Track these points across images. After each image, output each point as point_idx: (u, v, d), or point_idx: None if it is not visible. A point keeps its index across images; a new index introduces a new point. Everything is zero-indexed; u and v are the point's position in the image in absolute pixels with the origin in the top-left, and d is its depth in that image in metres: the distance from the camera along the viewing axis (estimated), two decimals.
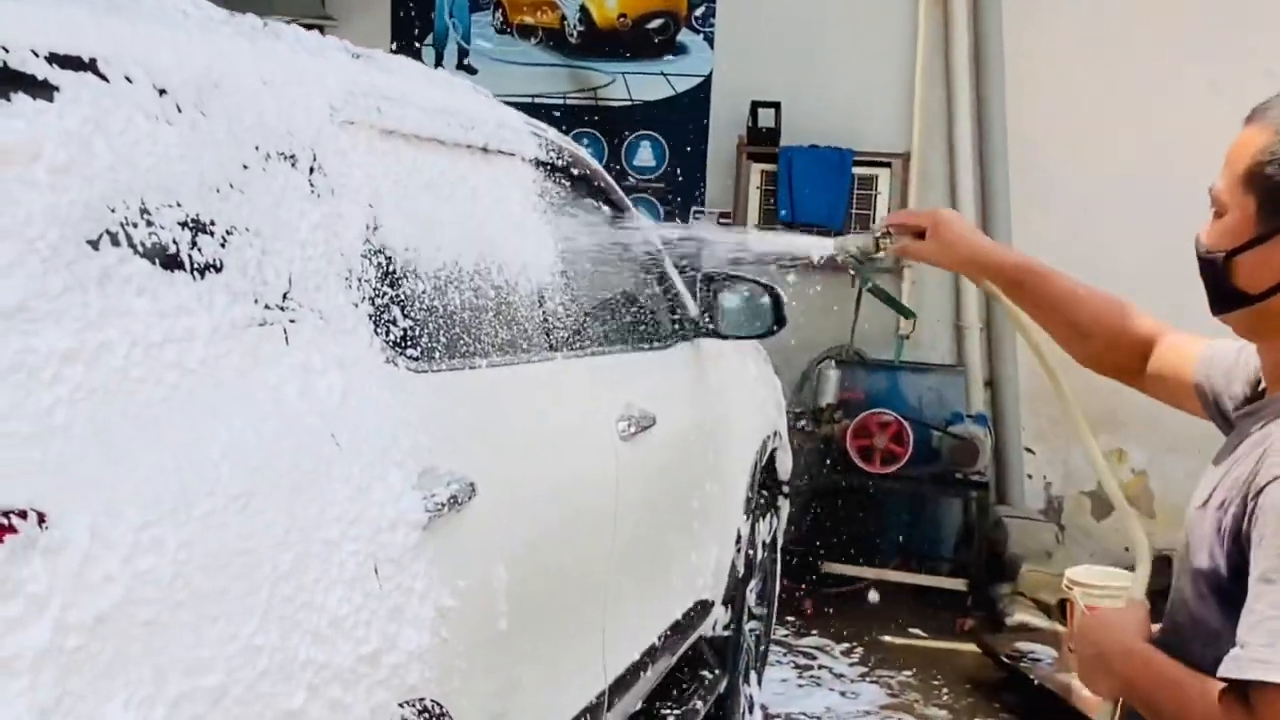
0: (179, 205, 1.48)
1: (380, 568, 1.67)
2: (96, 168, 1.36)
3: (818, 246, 2.23)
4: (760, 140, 6.36)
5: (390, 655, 1.68)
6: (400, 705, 1.69)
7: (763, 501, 4.05)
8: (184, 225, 1.48)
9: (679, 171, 6.56)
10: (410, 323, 1.91)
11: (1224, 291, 1.53)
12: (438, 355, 1.97)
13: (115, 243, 1.37)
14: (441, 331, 2.00)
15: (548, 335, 2.43)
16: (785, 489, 4.33)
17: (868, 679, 4.77)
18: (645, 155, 6.65)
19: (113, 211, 1.37)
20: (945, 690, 4.68)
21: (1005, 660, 4.58)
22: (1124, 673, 1.58)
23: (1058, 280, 1.91)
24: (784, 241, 2.52)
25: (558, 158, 2.69)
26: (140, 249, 1.40)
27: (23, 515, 1.14)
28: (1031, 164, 6.27)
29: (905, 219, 2.06)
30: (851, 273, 2.17)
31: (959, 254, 1.98)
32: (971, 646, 5.00)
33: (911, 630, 5.34)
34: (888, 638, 5.23)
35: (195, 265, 1.48)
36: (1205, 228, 1.55)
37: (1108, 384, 6.65)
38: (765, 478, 4.04)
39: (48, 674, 1.16)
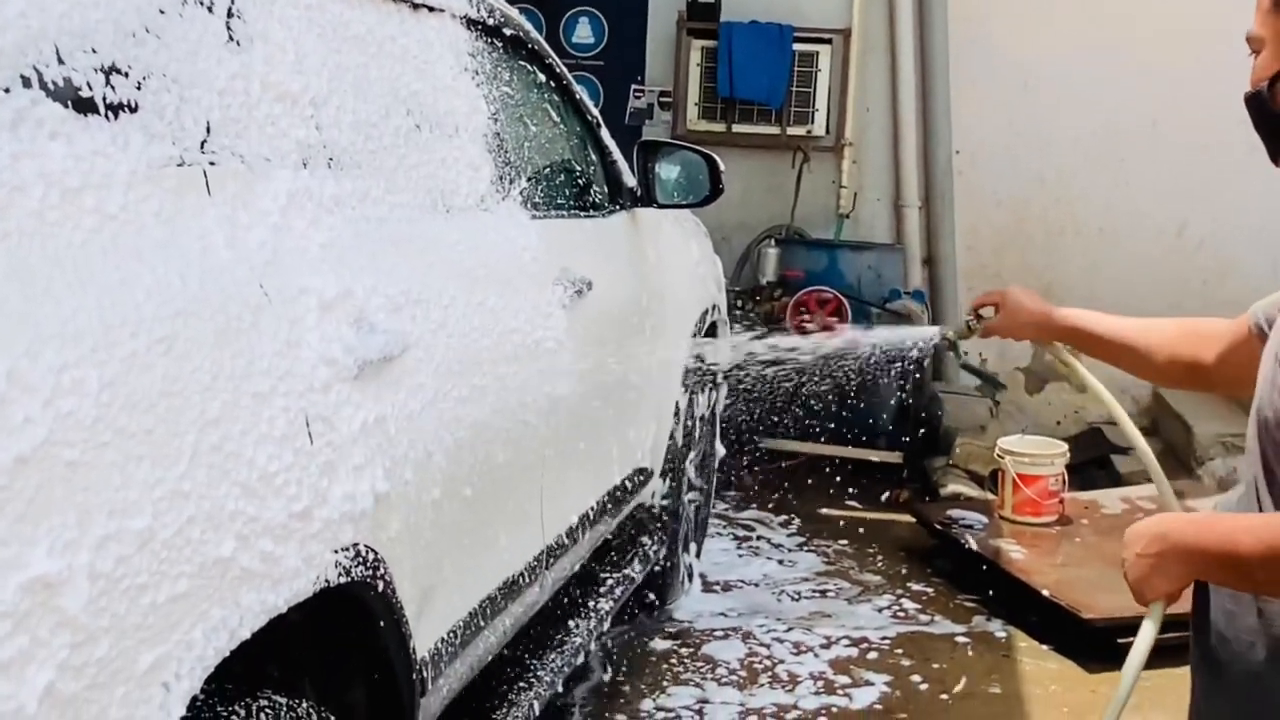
0: (94, 51, 1.44)
1: (312, 422, 1.67)
2: (8, 14, 1.31)
3: (926, 335, 2.47)
4: (700, 16, 6.29)
5: (322, 509, 1.68)
6: (334, 552, 1.70)
7: (701, 375, 4.08)
8: (99, 70, 1.44)
9: (619, 48, 6.46)
10: (337, 172, 1.88)
11: (1273, 125, 1.52)
12: (365, 205, 1.94)
13: (27, 85, 1.33)
14: (368, 182, 1.97)
15: (481, 195, 2.41)
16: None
17: (805, 548, 4.87)
18: (584, 32, 6.54)
19: (25, 56, 1.33)
20: (880, 557, 4.79)
21: (938, 527, 4.68)
22: (1191, 542, 1.50)
23: (1109, 320, 2.07)
24: (895, 335, 2.75)
25: (489, 17, 2.63)
26: (54, 93, 1.36)
27: None
28: (972, 40, 6.25)
29: (982, 300, 2.23)
30: (949, 352, 2.39)
31: (1021, 320, 2.14)
32: (906, 517, 5.11)
33: (848, 503, 5.44)
34: (825, 510, 5.33)
35: (111, 109, 1.44)
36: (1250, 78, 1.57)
37: (1041, 259, 6.74)
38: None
39: None
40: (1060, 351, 2.14)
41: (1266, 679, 1.51)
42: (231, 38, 1.70)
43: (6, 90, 1.30)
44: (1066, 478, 4.79)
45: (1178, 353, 1.91)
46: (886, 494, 5.43)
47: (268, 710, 1.64)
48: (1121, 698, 1.62)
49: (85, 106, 1.40)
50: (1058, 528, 4.65)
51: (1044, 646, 3.98)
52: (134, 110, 1.47)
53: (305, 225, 1.77)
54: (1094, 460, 5.68)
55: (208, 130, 1.60)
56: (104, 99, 1.43)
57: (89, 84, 1.42)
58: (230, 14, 1.70)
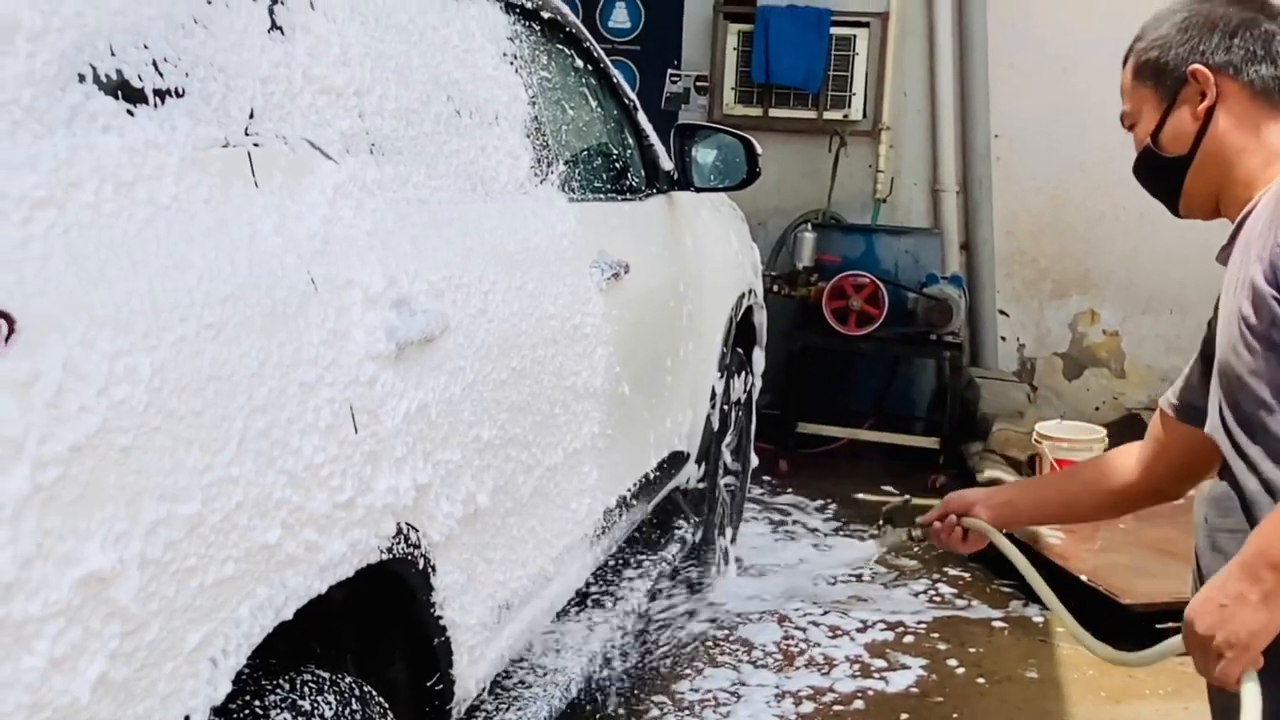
0: (146, 48, 1.45)
1: (356, 413, 1.68)
2: (66, 15, 1.32)
3: (866, 554, 2.32)
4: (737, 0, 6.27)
5: (366, 498, 1.70)
6: (376, 536, 1.73)
7: (737, 359, 4.10)
8: (149, 63, 1.46)
9: (655, 32, 6.46)
10: (379, 158, 1.90)
11: (1165, 174, 1.74)
12: (407, 191, 1.96)
13: (81, 80, 1.34)
14: (409, 168, 1.99)
15: (520, 179, 2.43)
16: (760, 350, 4.37)
17: (840, 533, 4.88)
18: (621, 16, 6.54)
19: (80, 54, 1.35)
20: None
21: None
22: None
23: (1041, 483, 2.22)
24: (839, 558, 2.70)
25: (528, 0, 2.65)
26: (106, 86, 1.37)
27: None
28: (1011, 23, 6.20)
29: (931, 516, 2.12)
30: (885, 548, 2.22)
31: (960, 504, 2.06)
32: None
33: (884, 488, 5.44)
34: (861, 495, 5.33)
35: (159, 95, 1.46)
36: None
37: (1080, 244, 6.70)
38: (740, 336, 4.08)
39: (29, 521, 1.15)
40: (987, 530, 2.04)
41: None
42: (274, 24, 1.72)
43: (64, 91, 1.32)
44: None
45: (1128, 480, 1.95)
46: (933, 479, 5.42)
47: (311, 684, 1.67)
48: None
49: (135, 97, 1.42)
50: None
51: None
52: (180, 96, 1.49)
53: (350, 213, 1.78)
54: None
55: (251, 115, 1.62)
56: (153, 89, 1.45)
57: (139, 76, 1.43)
58: (274, 2, 1.72)
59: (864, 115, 6.29)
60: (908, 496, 2.20)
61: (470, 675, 2.13)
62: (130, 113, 1.40)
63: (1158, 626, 3.60)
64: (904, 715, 3.43)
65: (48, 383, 1.18)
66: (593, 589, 3.06)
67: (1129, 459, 1.95)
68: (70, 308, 1.22)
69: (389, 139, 1.96)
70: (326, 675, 1.71)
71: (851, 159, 6.31)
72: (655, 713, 3.37)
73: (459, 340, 1.98)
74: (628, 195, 3.22)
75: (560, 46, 2.95)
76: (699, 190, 3.55)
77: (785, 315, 5.79)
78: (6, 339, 1.14)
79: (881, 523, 2.23)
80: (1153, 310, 6.20)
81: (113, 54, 1.39)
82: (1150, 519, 4.29)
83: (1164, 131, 1.71)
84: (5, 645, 1.13)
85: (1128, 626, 3.82)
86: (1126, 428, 5.87)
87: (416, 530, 1.84)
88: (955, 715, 3.46)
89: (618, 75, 3.39)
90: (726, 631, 3.90)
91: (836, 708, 3.45)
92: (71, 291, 1.23)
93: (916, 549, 2.01)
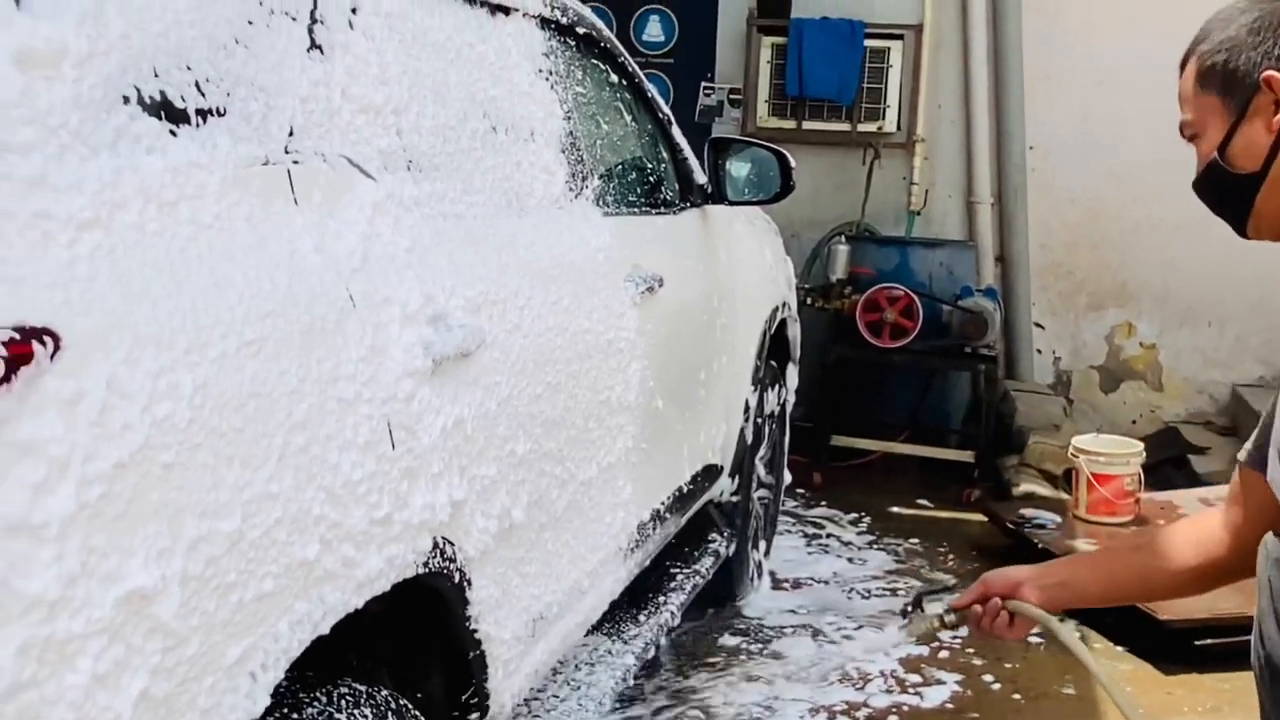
0: (189, 69, 1.47)
1: (394, 429, 1.69)
2: (111, 39, 1.34)
3: (890, 640, 2.09)
4: (771, 12, 6.28)
5: (403, 514, 1.72)
6: (413, 552, 1.74)
7: (771, 372, 4.09)
8: (193, 85, 1.47)
9: (689, 46, 6.48)
10: (416, 175, 1.91)
11: (1233, 192, 1.54)
12: (444, 207, 1.98)
13: (126, 102, 1.36)
14: (446, 184, 2.01)
15: (555, 194, 2.44)
16: (794, 363, 4.37)
17: (875, 546, 4.86)
18: (655, 29, 6.56)
19: (125, 76, 1.36)
20: (950, 556, 4.76)
21: (1010, 526, 4.65)
22: None
23: (1102, 559, 2.03)
24: (867, 645, 2.45)
25: (562, 16, 2.66)
26: (150, 108, 1.39)
27: (39, 338, 1.14)
28: (1046, 34, 6.17)
29: (966, 600, 1.96)
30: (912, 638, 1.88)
31: (1003, 585, 1.90)
32: (978, 516, 5.08)
33: (919, 501, 5.42)
34: (895, 508, 5.31)
35: (200, 114, 1.48)
36: (1196, 168, 1.59)
37: (1116, 256, 6.65)
38: (774, 349, 4.07)
39: (73, 539, 1.17)
40: (1052, 625, 1.90)
41: None
42: (314, 43, 1.74)
43: (109, 114, 1.33)
44: (1142, 477, 4.72)
45: (1191, 560, 1.76)
46: (968, 492, 5.39)
47: (348, 697, 1.68)
48: None
49: (178, 118, 1.44)
50: (1133, 528, 4.60)
51: (1119, 648, 3.94)
52: (222, 115, 1.51)
53: (388, 229, 1.79)
54: (1170, 460, 5.60)
55: (291, 133, 1.64)
56: (195, 109, 1.47)
57: (182, 97, 1.45)
58: (314, 21, 1.74)
59: (898, 127, 6.27)
60: (953, 580, 1.97)
61: (505, 689, 2.14)
62: (173, 133, 1.42)
63: (1196, 643, 3.56)
64: None
65: (92, 400, 1.20)
66: (627, 602, 3.06)
67: (1212, 525, 1.74)
68: (115, 326, 1.24)
69: (426, 156, 1.98)
70: (363, 689, 1.72)
71: (885, 171, 6.29)
72: None
73: (495, 355, 1.99)
74: (662, 209, 3.23)
75: (595, 61, 2.97)
76: (733, 203, 3.55)
77: (819, 328, 5.78)
78: (53, 357, 1.15)
79: (909, 607, 1.98)
80: (1190, 322, 6.15)
81: (156, 76, 1.41)
82: None
83: (1233, 145, 1.52)
84: (50, 663, 1.15)
85: (1166, 643, 3.80)
86: (1165, 441, 5.82)
87: (452, 545, 1.85)
88: None
89: (652, 89, 3.40)
90: (760, 645, 3.89)
91: None
92: (116, 310, 1.25)
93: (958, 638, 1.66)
